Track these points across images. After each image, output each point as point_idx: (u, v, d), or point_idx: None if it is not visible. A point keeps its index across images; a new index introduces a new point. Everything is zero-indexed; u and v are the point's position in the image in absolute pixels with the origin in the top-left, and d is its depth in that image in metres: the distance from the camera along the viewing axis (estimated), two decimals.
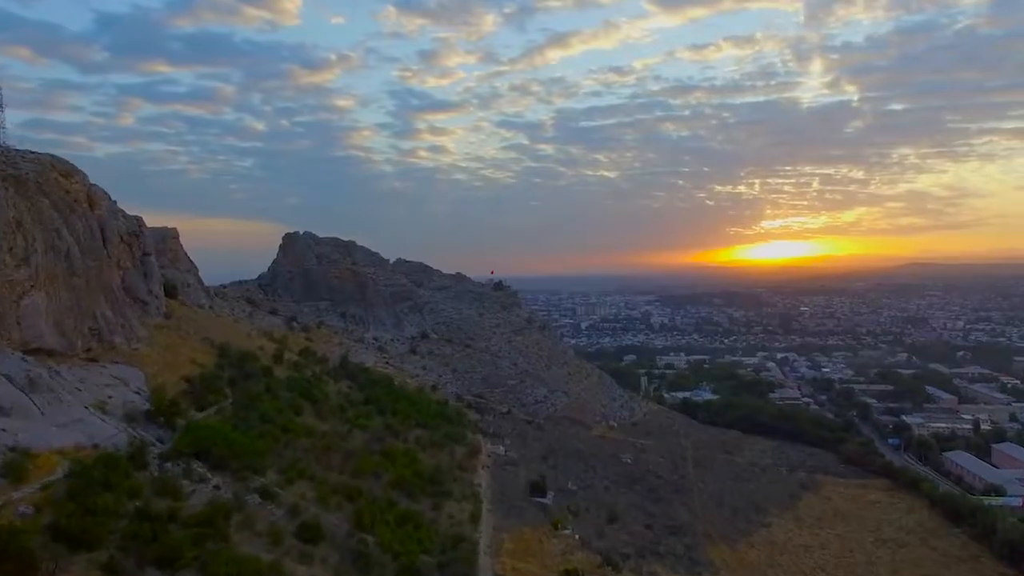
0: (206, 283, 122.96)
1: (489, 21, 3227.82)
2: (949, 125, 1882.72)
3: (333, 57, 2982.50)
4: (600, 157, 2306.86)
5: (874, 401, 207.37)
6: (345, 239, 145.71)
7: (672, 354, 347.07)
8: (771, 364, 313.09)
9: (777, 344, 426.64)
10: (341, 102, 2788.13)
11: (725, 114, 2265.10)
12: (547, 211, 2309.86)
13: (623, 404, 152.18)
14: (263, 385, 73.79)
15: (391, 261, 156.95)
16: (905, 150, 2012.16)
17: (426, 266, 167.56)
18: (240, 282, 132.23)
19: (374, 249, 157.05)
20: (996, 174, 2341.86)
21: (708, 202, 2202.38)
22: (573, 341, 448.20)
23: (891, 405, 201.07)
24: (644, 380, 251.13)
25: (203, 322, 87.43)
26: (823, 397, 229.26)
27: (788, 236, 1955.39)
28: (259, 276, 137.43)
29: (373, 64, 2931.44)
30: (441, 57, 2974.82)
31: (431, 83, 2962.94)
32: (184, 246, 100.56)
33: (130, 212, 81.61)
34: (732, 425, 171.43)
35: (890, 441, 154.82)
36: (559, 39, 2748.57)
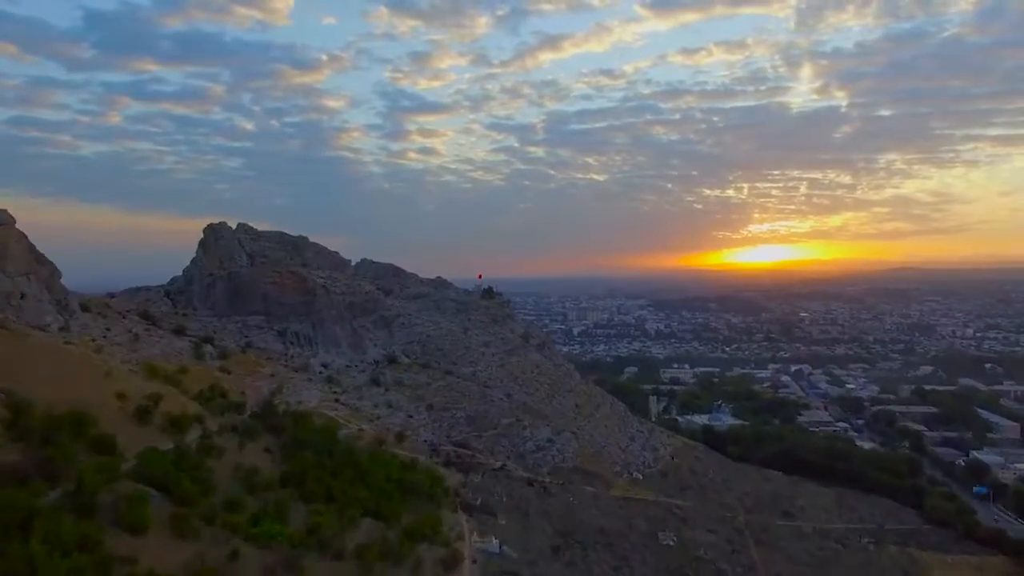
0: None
1: (482, 23, 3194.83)
2: (935, 131, 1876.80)
3: (324, 58, 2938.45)
4: (590, 160, 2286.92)
5: (923, 428, 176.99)
6: (294, 235, 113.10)
7: (676, 366, 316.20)
8: (786, 378, 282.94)
9: (783, 353, 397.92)
10: (332, 103, 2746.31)
11: (715, 118, 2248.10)
12: (536, 213, 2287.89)
13: (643, 443, 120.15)
14: (72, 481, 40.86)
15: (352, 263, 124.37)
16: (892, 156, 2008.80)
17: (398, 269, 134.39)
18: (138, 289, 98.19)
19: (335, 247, 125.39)
20: (980, 180, 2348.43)
21: (696, 205, 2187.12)
22: (566, 349, 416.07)
23: (947, 434, 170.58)
24: (653, 400, 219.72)
25: (21, 357, 54.46)
26: (859, 421, 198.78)
27: (775, 240, 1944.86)
28: (170, 280, 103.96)
29: (365, 65, 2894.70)
30: (433, 59, 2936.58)
31: (423, 85, 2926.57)
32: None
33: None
34: (769, 463, 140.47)
35: (976, 490, 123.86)
36: (551, 42, 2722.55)
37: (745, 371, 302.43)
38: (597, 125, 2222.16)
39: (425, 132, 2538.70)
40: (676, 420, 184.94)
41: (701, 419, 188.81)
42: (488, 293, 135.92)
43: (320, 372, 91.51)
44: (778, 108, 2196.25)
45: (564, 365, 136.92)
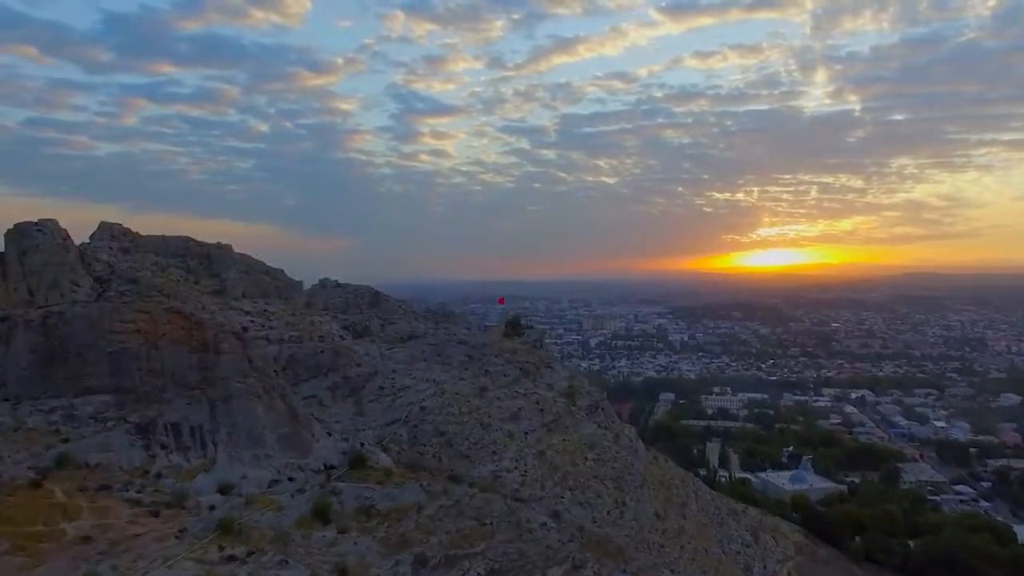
0: None
1: (497, 27, 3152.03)
2: (948, 136, 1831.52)
3: (339, 60, 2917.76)
4: (601, 163, 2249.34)
5: None
6: (203, 241, 68.70)
7: (716, 391, 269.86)
8: (851, 409, 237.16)
9: (826, 371, 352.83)
10: (345, 105, 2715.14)
11: (727, 122, 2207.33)
12: (545, 216, 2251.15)
13: (762, 571, 75.44)
14: None
15: (304, 285, 79.72)
16: (904, 160, 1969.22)
17: (377, 295, 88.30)
18: None
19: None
20: (993, 185, 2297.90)
21: (706, 209, 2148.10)
22: (584, 364, 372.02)
23: None
24: (710, 448, 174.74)
25: None
26: (984, 484, 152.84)
27: (784, 244, 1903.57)
28: None
29: (379, 68, 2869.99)
30: (448, 62, 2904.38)
31: (437, 87, 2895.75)
32: None
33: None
34: (919, 570, 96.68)
35: None
36: (566, 45, 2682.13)
37: (798, 397, 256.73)
38: (609, 128, 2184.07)
39: (437, 135, 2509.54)
40: (750, 482, 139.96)
41: (780, 479, 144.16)
42: (514, 327, 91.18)
43: (210, 509, 46.89)
44: (791, 112, 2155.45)
45: (624, 433, 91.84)
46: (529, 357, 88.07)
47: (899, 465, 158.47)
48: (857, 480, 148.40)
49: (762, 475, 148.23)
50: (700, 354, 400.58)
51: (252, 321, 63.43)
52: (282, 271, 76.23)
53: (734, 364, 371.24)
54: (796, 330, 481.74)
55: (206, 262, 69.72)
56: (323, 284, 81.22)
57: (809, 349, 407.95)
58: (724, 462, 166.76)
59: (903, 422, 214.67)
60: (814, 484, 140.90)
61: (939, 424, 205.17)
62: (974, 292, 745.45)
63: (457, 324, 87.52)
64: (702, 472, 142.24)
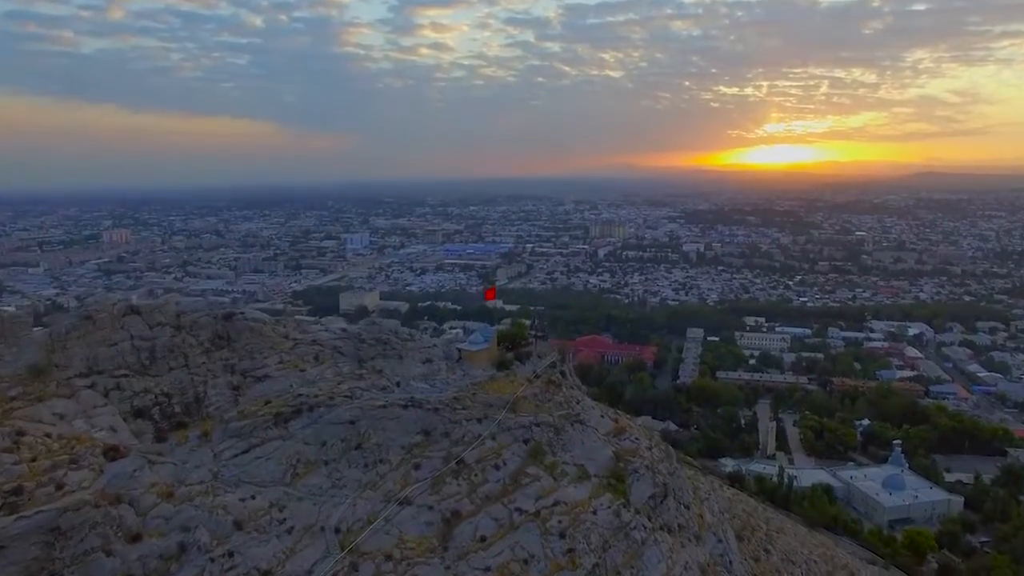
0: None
1: None
2: (970, 27, 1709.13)
3: None
4: (606, 56, 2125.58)
5: None
6: None
7: (750, 326, 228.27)
8: (912, 352, 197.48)
9: (863, 291, 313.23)
10: None
11: (739, 12, 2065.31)
12: (548, 111, 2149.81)
13: None
14: None
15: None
16: (920, 54, 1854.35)
17: (231, 317, 34.69)
18: None
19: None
20: (1012, 79, 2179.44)
21: (713, 104, 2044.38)
22: (594, 280, 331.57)
23: None
24: (762, 425, 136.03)
25: None
26: None
27: (791, 140, 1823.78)
28: None
29: None
30: None
31: None
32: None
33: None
34: None
35: None
36: None
37: (847, 334, 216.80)
38: (616, 19, 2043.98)
39: (438, 27, 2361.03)
40: (833, 491, 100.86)
41: (870, 483, 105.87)
42: (513, 344, 48.48)
43: None
44: (806, 2, 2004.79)
45: (706, 532, 50.88)
46: (542, 411, 45.36)
47: (1012, 452, 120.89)
48: (965, 480, 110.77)
49: (843, 475, 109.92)
50: (720, 268, 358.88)
51: None
52: None
53: (758, 281, 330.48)
54: (819, 239, 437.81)
55: None
56: (88, 316, 31.57)
57: (838, 263, 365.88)
58: (783, 442, 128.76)
59: (982, 373, 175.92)
60: (919, 494, 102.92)
61: None
62: (996, 194, 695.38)
63: (407, 356, 43.97)
64: (765, 470, 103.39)
